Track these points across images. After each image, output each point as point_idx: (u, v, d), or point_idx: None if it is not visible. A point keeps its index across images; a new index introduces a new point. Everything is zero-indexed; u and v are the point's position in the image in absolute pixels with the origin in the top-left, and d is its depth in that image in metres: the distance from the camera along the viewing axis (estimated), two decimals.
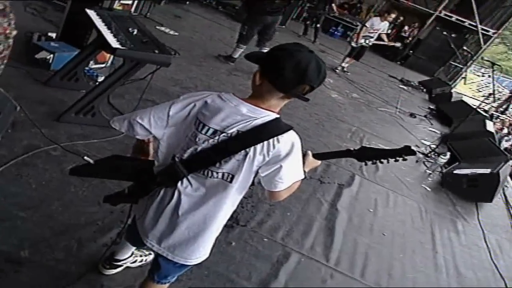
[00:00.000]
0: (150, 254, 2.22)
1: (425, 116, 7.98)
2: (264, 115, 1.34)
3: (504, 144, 12.07)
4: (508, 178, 6.18)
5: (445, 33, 12.70)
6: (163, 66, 3.17)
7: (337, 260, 2.93)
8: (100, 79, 3.83)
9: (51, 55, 3.68)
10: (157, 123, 1.41)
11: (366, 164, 1.80)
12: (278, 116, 1.37)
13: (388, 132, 6.22)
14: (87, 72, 3.80)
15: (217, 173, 1.38)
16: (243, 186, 1.42)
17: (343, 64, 8.95)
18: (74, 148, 2.77)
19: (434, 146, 6.15)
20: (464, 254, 3.79)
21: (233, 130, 1.33)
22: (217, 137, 1.34)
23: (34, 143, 2.64)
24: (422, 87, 10.47)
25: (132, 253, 2.10)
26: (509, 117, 13.01)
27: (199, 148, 1.36)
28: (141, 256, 2.19)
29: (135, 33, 3.14)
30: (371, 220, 3.64)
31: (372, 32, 8.14)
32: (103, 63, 4.18)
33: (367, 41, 8.25)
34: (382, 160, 1.73)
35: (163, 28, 6.20)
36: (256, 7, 6.00)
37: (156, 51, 2.98)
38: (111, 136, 3.08)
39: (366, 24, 8.28)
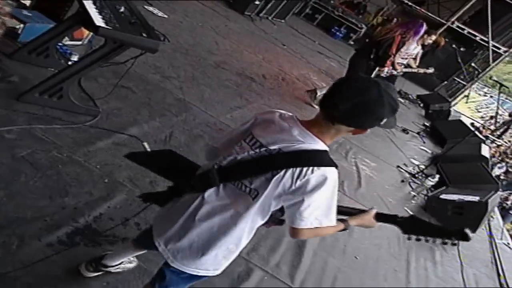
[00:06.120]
0: (132, 261, 2.21)
1: (418, 133, 8.04)
2: (312, 142, 1.39)
3: (496, 171, 12.28)
4: (495, 209, 6.27)
5: (454, 46, 12.77)
6: (148, 52, 3.10)
7: (303, 282, 2.92)
8: (74, 58, 3.73)
9: (21, 25, 3.56)
10: None
11: (409, 239, 1.73)
12: (326, 148, 1.42)
13: (377, 146, 6.24)
14: (60, 48, 3.69)
15: (246, 187, 1.44)
16: (262, 209, 1.45)
17: None
18: (31, 133, 2.68)
19: (423, 166, 6.19)
20: (438, 286, 3.82)
21: (275, 148, 1.40)
22: (258, 150, 1.42)
23: None
24: (419, 102, 10.54)
25: (122, 262, 2.12)
26: (505, 142, 13.25)
27: (238, 158, 1.45)
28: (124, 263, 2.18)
29: (122, 11, 3.02)
30: (345, 241, 3.64)
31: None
32: (79, 40, 4.07)
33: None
34: (428, 238, 1.68)
35: (151, 8, 6.08)
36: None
37: (144, 35, 2.90)
38: (76, 123, 3.00)
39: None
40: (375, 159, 5.74)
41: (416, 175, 5.88)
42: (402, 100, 10.19)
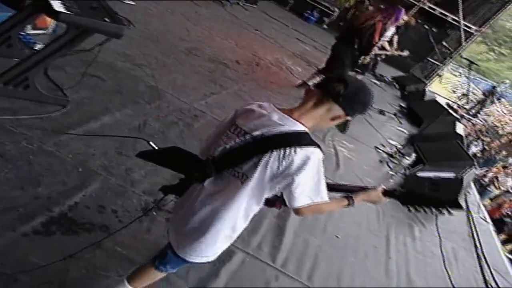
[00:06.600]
0: None
1: (394, 114, 8.22)
2: (291, 125, 1.53)
3: (473, 149, 12.70)
4: (471, 184, 6.51)
5: (426, 26, 13.01)
6: (113, 38, 3.09)
7: (284, 261, 2.99)
8: (38, 47, 3.68)
9: None
10: None
11: (409, 211, 1.86)
12: (306, 130, 1.55)
13: (354, 129, 6.32)
14: (23, 38, 3.63)
15: (238, 172, 1.56)
16: (256, 191, 1.56)
17: None
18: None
19: (400, 146, 6.36)
20: (417, 260, 3.97)
21: (258, 133, 1.53)
22: (243, 138, 1.55)
23: None
24: (395, 83, 10.74)
25: None
26: (480, 121, 13.65)
27: (227, 147, 1.58)
28: None
29: None
30: (325, 221, 3.73)
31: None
32: (43, 29, 4.01)
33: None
34: (426, 208, 1.80)
35: None
36: None
37: (107, 20, 2.89)
38: (45, 113, 2.97)
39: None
40: (352, 141, 5.85)
41: (394, 155, 6.03)
42: (378, 82, 10.37)
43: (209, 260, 1.76)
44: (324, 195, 1.57)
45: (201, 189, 1.63)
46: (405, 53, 8.17)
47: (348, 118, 1.62)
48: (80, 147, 2.87)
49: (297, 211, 1.59)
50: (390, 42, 7.80)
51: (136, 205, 2.67)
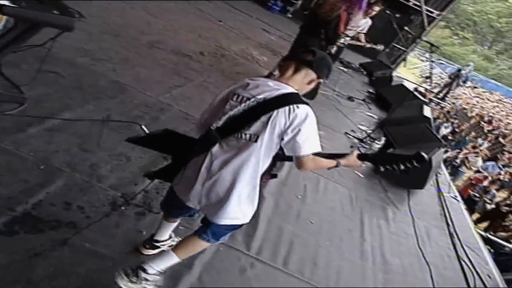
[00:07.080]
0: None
1: (363, 100, 8.39)
2: (285, 88, 1.86)
3: (443, 131, 13.12)
4: (442, 164, 6.73)
5: (388, 12, 13.30)
6: (64, 31, 3.05)
7: (259, 249, 3.03)
8: None
9: None
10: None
11: (380, 171, 2.05)
12: (297, 91, 1.89)
13: (324, 116, 6.45)
14: None
15: (245, 134, 1.82)
16: (267, 149, 1.83)
17: None
18: None
19: (370, 131, 6.50)
20: (392, 241, 4.09)
21: (261, 97, 1.82)
22: (247, 103, 1.83)
23: None
24: (362, 70, 10.95)
25: (170, 236, 2.49)
26: (448, 104, 14.14)
27: (232, 114, 1.84)
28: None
29: None
30: (299, 207, 3.80)
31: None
32: None
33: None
34: (395, 166, 2.00)
35: None
36: None
37: (56, 12, 2.85)
38: (1, 112, 2.91)
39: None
40: (323, 128, 5.93)
41: (364, 140, 6.17)
42: (345, 69, 10.55)
43: (242, 222, 1.99)
44: (319, 146, 1.87)
45: (211, 158, 1.85)
46: (380, 47, 8.27)
47: (320, 80, 1.98)
48: (40, 145, 2.82)
49: (301, 161, 1.86)
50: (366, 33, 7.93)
51: (103, 200, 2.65)
